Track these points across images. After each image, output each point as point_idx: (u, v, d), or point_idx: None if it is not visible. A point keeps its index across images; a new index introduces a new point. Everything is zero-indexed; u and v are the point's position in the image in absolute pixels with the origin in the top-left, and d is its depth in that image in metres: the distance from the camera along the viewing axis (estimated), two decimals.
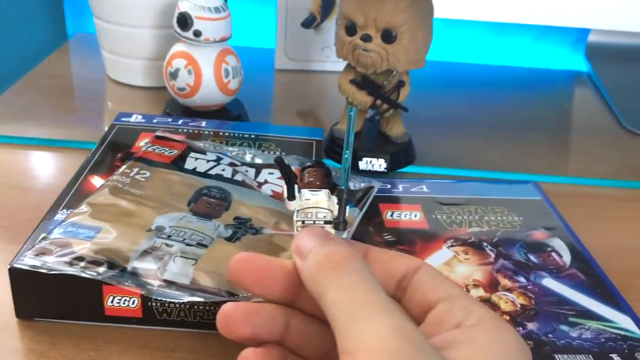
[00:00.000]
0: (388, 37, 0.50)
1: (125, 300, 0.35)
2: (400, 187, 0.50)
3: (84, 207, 0.39)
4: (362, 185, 0.46)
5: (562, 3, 0.69)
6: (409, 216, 0.46)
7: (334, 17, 0.70)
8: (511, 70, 0.80)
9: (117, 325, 0.36)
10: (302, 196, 0.31)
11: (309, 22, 0.71)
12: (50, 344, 0.35)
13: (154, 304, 0.35)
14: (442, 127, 0.64)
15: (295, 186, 0.32)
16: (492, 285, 0.40)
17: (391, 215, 0.46)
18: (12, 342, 0.35)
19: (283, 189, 0.32)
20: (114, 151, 0.49)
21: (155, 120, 0.53)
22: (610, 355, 0.35)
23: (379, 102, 0.53)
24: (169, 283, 0.34)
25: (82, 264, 0.34)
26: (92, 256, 0.35)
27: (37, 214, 0.42)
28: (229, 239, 0.38)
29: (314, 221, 0.30)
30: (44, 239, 0.37)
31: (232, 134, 0.52)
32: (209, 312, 0.36)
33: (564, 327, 0.37)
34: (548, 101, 0.73)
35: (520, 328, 0.36)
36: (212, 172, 0.44)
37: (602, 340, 0.36)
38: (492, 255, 0.42)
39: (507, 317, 0.37)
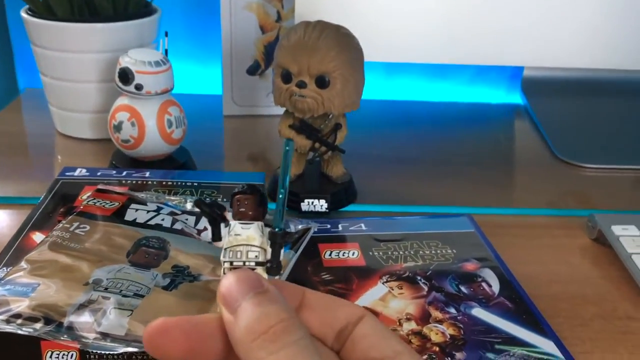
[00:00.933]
0: (322, 83, 0.52)
1: (63, 354, 0.36)
2: (340, 227, 0.52)
3: (23, 264, 0.40)
4: (300, 227, 0.48)
5: (496, 44, 0.72)
6: (347, 254, 0.48)
7: None
8: (451, 106, 0.84)
9: None
10: (232, 230, 0.28)
11: (254, 69, 0.74)
12: None
13: (91, 357, 0.36)
14: (384, 165, 0.66)
15: (222, 224, 0.29)
16: (424, 318, 0.41)
17: (330, 255, 0.48)
18: None
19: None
20: (57, 206, 0.50)
21: (99, 173, 0.54)
22: None
23: (317, 144, 0.55)
24: (105, 335, 0.35)
25: (20, 320, 0.35)
26: (29, 312, 0.36)
27: None
28: (166, 288, 0.39)
29: (244, 262, 0.27)
30: None
31: (175, 183, 0.54)
32: None
33: (490, 355, 0.38)
34: (486, 135, 0.76)
35: (449, 358, 0.38)
36: (152, 222, 0.45)
37: None
38: (425, 288, 0.44)
39: (437, 349, 0.39)
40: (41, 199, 0.51)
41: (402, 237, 0.50)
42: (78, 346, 0.35)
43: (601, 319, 0.44)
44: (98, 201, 0.47)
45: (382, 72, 0.84)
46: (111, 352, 0.35)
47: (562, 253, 0.52)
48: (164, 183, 0.54)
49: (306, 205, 0.56)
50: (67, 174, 0.55)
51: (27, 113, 0.78)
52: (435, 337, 0.40)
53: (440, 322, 0.41)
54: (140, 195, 0.49)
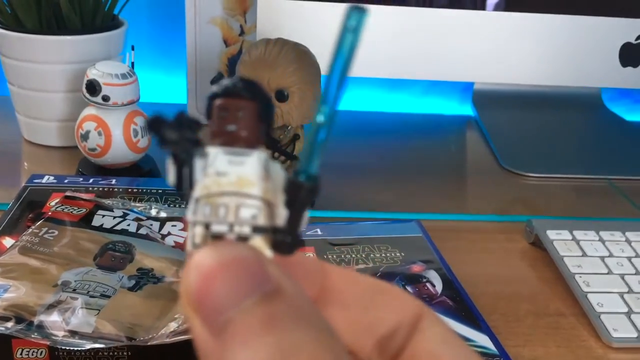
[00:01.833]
0: (281, 96, 0.55)
1: (33, 351, 0.39)
2: None
3: None
4: None
5: (447, 61, 0.76)
6: None
7: None
8: (406, 117, 0.88)
9: None
10: (210, 165, 0.17)
11: (218, 80, 0.77)
12: None
13: (60, 353, 0.39)
14: (341, 173, 0.70)
15: (196, 158, 0.17)
16: None
17: None
18: None
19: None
20: (25, 212, 0.52)
21: (66, 181, 0.57)
22: None
23: (276, 154, 0.59)
24: (73, 333, 0.38)
25: None
26: (1, 312, 0.38)
27: None
28: (131, 289, 0.42)
29: (231, 225, 0.17)
30: None
31: (141, 190, 0.56)
32: (111, 357, 0.39)
33: None
34: (438, 145, 0.80)
35: None
36: (118, 227, 0.48)
37: None
38: None
39: None
40: (10, 205, 0.53)
41: (355, 242, 0.54)
42: (48, 343, 0.37)
43: (534, 316, 0.48)
44: (66, 207, 0.49)
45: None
46: (79, 349, 0.38)
47: (502, 256, 0.56)
48: (129, 190, 0.56)
49: None
50: (35, 181, 0.57)
51: None
52: None
53: None
54: (107, 201, 0.51)
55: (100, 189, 0.56)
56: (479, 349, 0.42)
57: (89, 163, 0.62)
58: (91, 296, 0.40)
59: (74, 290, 0.41)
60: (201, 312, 0.15)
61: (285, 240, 0.17)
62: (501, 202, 0.66)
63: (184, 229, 0.49)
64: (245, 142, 0.17)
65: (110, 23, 0.67)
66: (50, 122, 0.68)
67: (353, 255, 0.52)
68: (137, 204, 0.52)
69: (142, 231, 0.48)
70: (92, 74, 0.58)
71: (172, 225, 0.50)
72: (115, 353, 0.39)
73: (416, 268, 0.51)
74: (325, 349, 0.14)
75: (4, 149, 0.72)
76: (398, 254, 0.52)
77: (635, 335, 0.46)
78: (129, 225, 0.48)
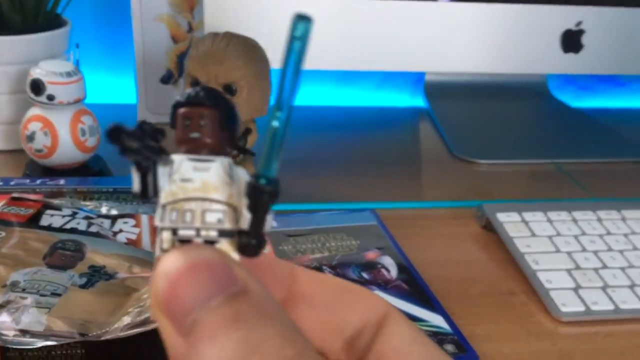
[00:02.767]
0: (229, 91, 0.55)
1: None
2: None
3: None
4: None
5: (397, 52, 0.77)
6: None
7: None
8: (360, 110, 0.89)
9: None
10: (176, 172, 0.17)
11: (167, 78, 0.76)
12: None
13: (12, 353, 0.38)
14: (297, 167, 0.70)
15: (159, 165, 0.17)
16: None
17: None
18: None
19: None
20: None
21: (12, 183, 0.55)
22: None
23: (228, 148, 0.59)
24: (24, 332, 0.37)
25: None
26: None
27: None
28: (83, 286, 0.41)
29: (198, 230, 0.17)
30: None
31: (90, 189, 0.55)
32: (65, 355, 0.38)
33: None
34: (392, 137, 0.81)
35: None
36: (68, 226, 0.47)
37: None
38: None
39: None
40: None
41: (311, 232, 0.54)
42: None
43: (486, 296, 0.49)
44: (13, 209, 0.48)
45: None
46: (30, 347, 0.37)
47: (455, 240, 0.57)
48: (79, 190, 0.55)
49: None
50: None
51: None
52: None
53: None
54: (55, 201, 0.51)
55: (48, 189, 0.55)
56: (434, 329, 0.43)
57: (37, 165, 0.61)
58: (41, 295, 0.40)
59: (24, 290, 0.40)
60: (169, 313, 0.15)
61: (250, 242, 0.17)
62: (453, 189, 0.67)
63: (135, 225, 0.49)
64: (209, 148, 0.18)
65: (54, 22, 0.65)
66: None
67: (309, 245, 0.52)
68: (87, 203, 0.52)
69: (93, 229, 0.47)
70: (36, 73, 0.57)
71: (124, 222, 0.49)
72: (69, 351, 0.38)
73: (371, 255, 0.51)
74: (289, 343, 0.15)
75: None
76: (353, 242, 0.53)
77: (582, 309, 0.47)
78: (78, 223, 0.48)
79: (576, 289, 0.49)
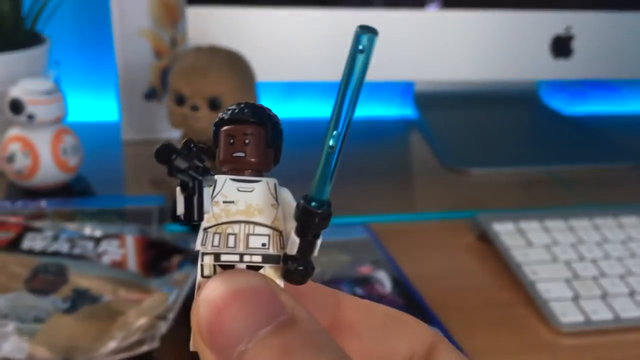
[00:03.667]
0: (214, 105, 0.54)
1: None
2: None
3: None
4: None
5: (386, 61, 0.77)
6: None
7: None
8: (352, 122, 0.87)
9: None
10: (218, 193, 0.17)
11: (151, 94, 0.74)
12: None
13: None
14: (287, 180, 0.69)
15: (204, 185, 0.16)
16: None
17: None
18: None
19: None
20: None
21: None
22: None
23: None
24: None
25: None
26: None
27: None
28: (66, 311, 0.40)
29: (241, 256, 0.16)
30: None
31: (73, 210, 0.54)
32: None
33: None
34: (383, 148, 0.80)
35: None
36: (50, 249, 0.45)
37: None
38: None
39: None
40: None
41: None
42: None
43: (484, 308, 0.48)
44: None
45: (281, 93, 0.87)
46: None
47: (450, 252, 0.56)
48: (61, 211, 0.53)
49: None
50: None
51: None
52: None
53: None
54: (37, 224, 0.49)
55: (30, 212, 0.53)
56: None
57: (17, 188, 0.59)
58: (23, 321, 0.38)
59: (5, 316, 0.38)
60: (214, 345, 0.14)
61: (297, 269, 0.16)
62: (446, 200, 0.66)
63: (120, 246, 0.47)
64: (254, 167, 0.17)
65: (33, 40, 0.64)
66: None
67: None
68: (70, 224, 0.50)
69: (76, 251, 0.46)
70: (15, 92, 0.55)
71: (108, 243, 0.47)
72: None
73: (364, 269, 0.50)
74: None
75: None
76: (345, 257, 0.51)
77: (582, 319, 0.46)
78: (61, 246, 0.46)
79: (575, 298, 0.48)
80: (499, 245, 0.53)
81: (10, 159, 0.56)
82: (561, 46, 0.77)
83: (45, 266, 0.43)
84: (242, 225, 0.16)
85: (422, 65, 0.78)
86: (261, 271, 0.16)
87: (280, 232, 0.17)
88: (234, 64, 0.55)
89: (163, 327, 0.38)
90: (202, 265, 0.16)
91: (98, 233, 0.49)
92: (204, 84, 0.54)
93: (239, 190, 0.17)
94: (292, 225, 0.16)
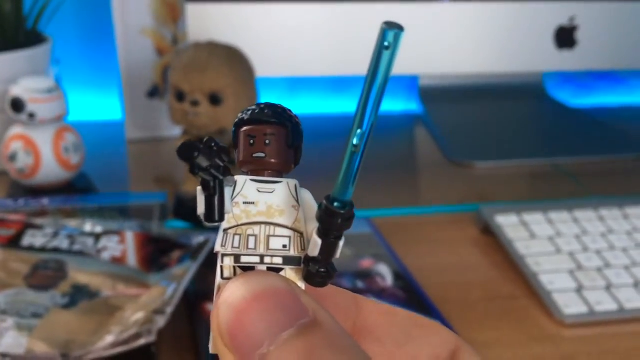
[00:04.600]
0: (215, 100, 0.54)
1: None
2: None
3: None
4: (202, 238, 0.49)
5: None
6: None
7: None
8: (352, 118, 0.87)
9: None
10: (238, 194, 0.16)
11: (154, 92, 0.75)
12: None
13: None
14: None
15: (227, 190, 0.16)
16: None
17: None
18: None
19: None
20: None
21: None
22: None
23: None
24: (4, 356, 0.36)
25: None
26: None
27: None
28: (65, 306, 0.40)
29: (262, 257, 0.16)
30: None
31: (75, 208, 0.54)
32: None
33: None
34: (387, 142, 0.80)
35: None
36: (50, 245, 0.46)
37: None
38: None
39: None
40: None
41: None
42: None
43: (486, 301, 0.47)
44: None
45: (284, 89, 0.87)
46: None
47: (453, 245, 0.56)
48: (63, 209, 0.54)
49: None
50: None
51: None
52: None
53: None
54: (37, 221, 0.49)
55: (32, 210, 0.53)
56: None
57: (20, 187, 0.59)
58: (22, 317, 0.38)
59: (4, 312, 0.38)
60: (235, 347, 0.14)
61: (318, 271, 0.16)
62: (450, 193, 0.66)
63: (120, 242, 0.47)
64: (274, 168, 0.17)
65: (34, 40, 0.64)
66: None
67: None
68: (70, 221, 0.50)
69: (76, 247, 0.46)
70: (16, 91, 0.56)
71: (108, 239, 0.47)
72: None
73: (365, 263, 0.50)
74: None
75: None
76: (347, 251, 0.51)
77: (586, 310, 0.45)
78: (61, 242, 0.46)
79: (579, 289, 0.47)
80: (502, 238, 0.53)
81: (12, 157, 0.57)
82: (565, 37, 0.76)
83: (45, 262, 0.43)
84: (263, 226, 0.16)
85: (427, 58, 0.77)
86: (282, 273, 0.16)
87: (302, 234, 0.16)
88: (233, 59, 0.55)
89: (161, 321, 0.37)
90: (221, 267, 0.16)
91: (98, 229, 0.49)
92: (203, 80, 0.54)
93: (259, 191, 0.17)
94: (313, 226, 0.16)
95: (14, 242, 0.46)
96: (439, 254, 0.54)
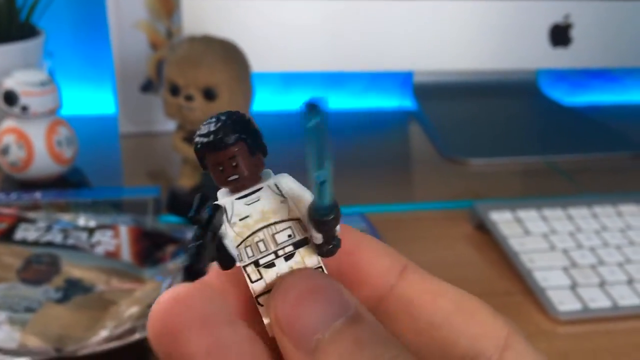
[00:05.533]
0: (209, 95, 0.54)
1: None
2: None
3: None
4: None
5: (385, 51, 0.76)
6: None
7: None
8: (348, 114, 0.87)
9: None
10: (232, 216, 0.18)
11: (147, 86, 0.74)
12: None
13: None
14: (289, 170, 0.68)
15: (226, 226, 0.17)
16: None
17: None
18: None
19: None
20: None
21: None
22: None
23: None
24: None
25: None
26: None
27: None
28: (58, 301, 0.39)
29: (276, 252, 0.18)
30: None
31: (68, 202, 0.53)
32: None
33: None
34: (382, 139, 0.80)
35: None
36: (43, 239, 0.45)
37: None
38: None
39: None
40: None
41: None
42: None
43: (481, 297, 0.47)
44: None
45: (279, 84, 0.86)
46: None
47: (448, 242, 0.56)
48: (56, 203, 0.53)
49: None
50: None
51: None
52: None
53: None
54: (30, 214, 0.49)
55: (24, 204, 0.53)
56: None
57: (12, 181, 0.59)
58: (15, 311, 0.38)
59: None
60: (292, 334, 0.16)
61: (328, 249, 0.17)
62: (444, 189, 0.66)
63: (114, 237, 0.47)
64: (250, 181, 0.18)
65: (27, 33, 0.63)
66: None
67: None
68: (64, 215, 0.50)
69: (70, 241, 0.45)
70: (9, 83, 0.55)
71: (102, 234, 0.47)
72: None
73: None
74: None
75: None
76: None
77: (580, 307, 0.45)
78: (54, 236, 0.46)
79: (573, 286, 0.47)
80: (496, 234, 0.53)
81: (5, 151, 0.56)
82: (560, 35, 0.77)
83: (38, 256, 0.43)
84: (265, 230, 0.18)
85: (421, 55, 0.77)
86: (296, 255, 0.18)
87: (299, 219, 0.18)
88: (228, 54, 0.55)
89: None
90: (248, 274, 0.18)
91: (92, 224, 0.49)
92: (198, 74, 0.53)
93: (247, 204, 0.18)
94: (303, 204, 0.18)
95: (6, 236, 0.45)
96: (433, 250, 0.54)
